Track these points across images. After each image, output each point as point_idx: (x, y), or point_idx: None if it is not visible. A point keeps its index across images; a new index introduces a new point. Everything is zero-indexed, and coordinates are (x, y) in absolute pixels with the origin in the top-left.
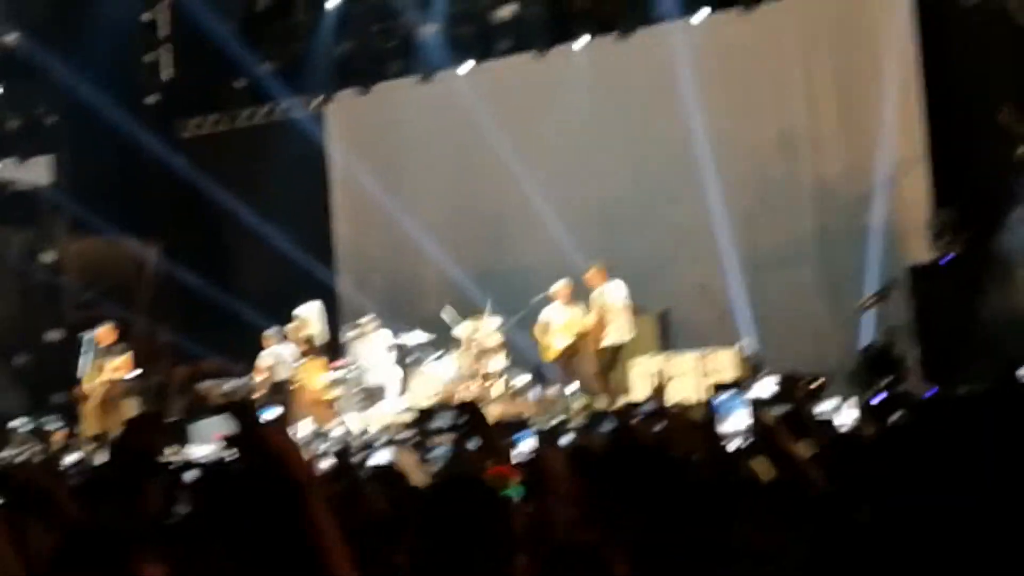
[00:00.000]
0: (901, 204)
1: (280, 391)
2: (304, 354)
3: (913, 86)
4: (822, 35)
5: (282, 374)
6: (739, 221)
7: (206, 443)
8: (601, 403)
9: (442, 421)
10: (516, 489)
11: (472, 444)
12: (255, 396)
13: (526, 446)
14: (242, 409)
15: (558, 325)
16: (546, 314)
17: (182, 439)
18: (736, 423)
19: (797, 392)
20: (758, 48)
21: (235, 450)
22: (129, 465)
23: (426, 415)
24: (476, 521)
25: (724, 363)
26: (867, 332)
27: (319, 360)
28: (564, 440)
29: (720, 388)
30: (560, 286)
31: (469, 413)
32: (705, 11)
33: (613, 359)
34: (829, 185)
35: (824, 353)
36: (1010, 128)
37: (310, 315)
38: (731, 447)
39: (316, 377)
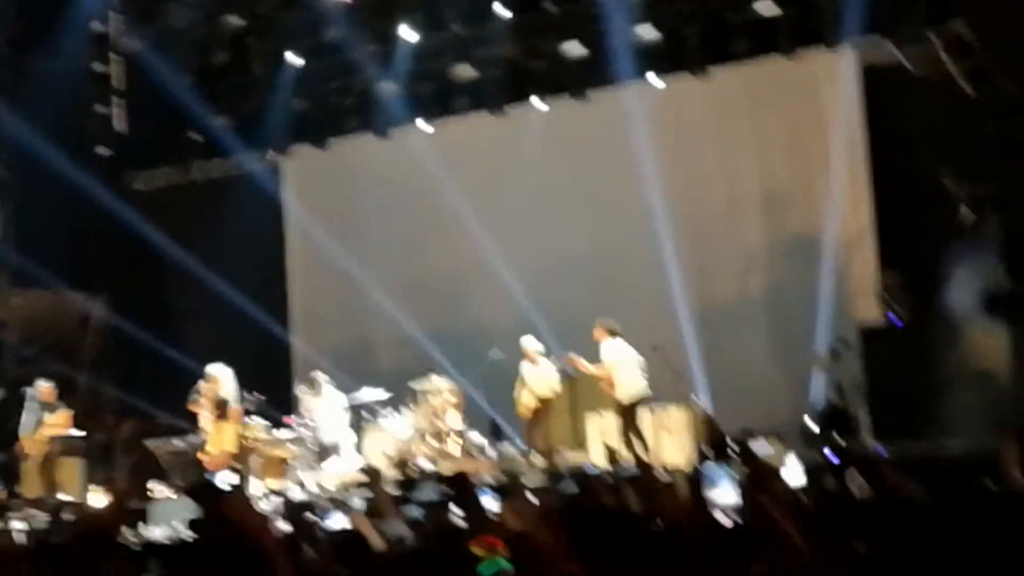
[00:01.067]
0: (850, 266)
1: None
2: (218, 416)
3: (860, 150)
4: (772, 99)
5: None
6: (692, 280)
7: (165, 522)
8: (561, 461)
9: (429, 492)
10: (505, 562)
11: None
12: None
13: (486, 503)
14: (202, 491)
15: (528, 384)
16: (522, 371)
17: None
18: (724, 492)
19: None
20: (710, 111)
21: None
22: (90, 545)
23: (409, 485)
24: None
25: (677, 420)
26: (818, 391)
27: (231, 422)
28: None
29: (705, 454)
30: (528, 346)
31: (458, 486)
32: (659, 75)
33: (632, 413)
34: (779, 246)
35: (774, 411)
36: (953, 192)
37: (222, 375)
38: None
39: (229, 439)
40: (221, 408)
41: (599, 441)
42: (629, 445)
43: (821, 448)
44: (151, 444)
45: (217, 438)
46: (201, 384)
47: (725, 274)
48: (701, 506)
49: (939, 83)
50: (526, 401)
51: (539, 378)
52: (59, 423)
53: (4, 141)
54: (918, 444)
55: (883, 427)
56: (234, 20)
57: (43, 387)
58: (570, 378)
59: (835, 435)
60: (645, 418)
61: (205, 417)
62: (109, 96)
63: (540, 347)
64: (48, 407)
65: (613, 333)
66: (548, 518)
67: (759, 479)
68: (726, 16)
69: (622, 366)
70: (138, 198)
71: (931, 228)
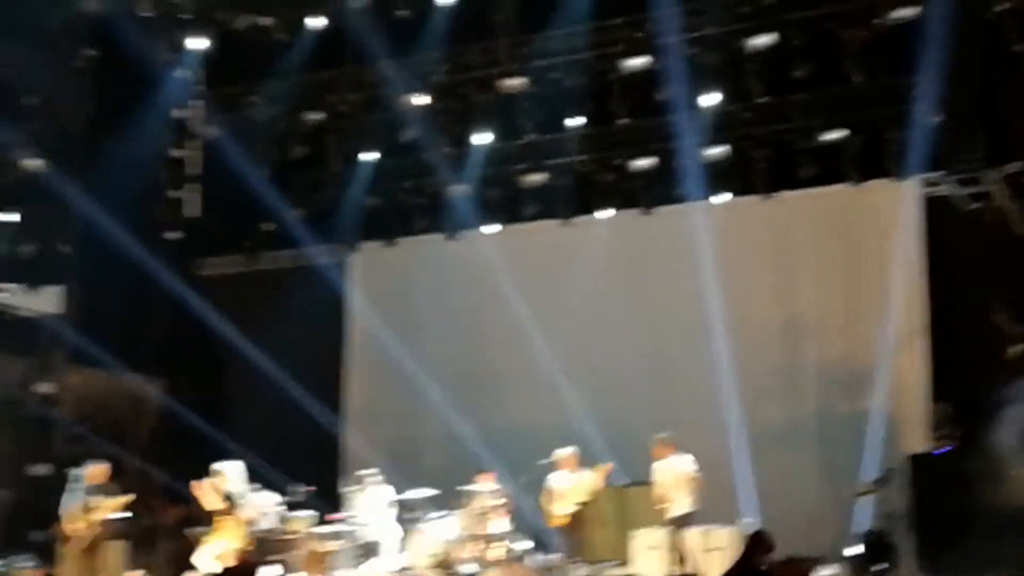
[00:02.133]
0: (901, 394)
1: (270, 544)
2: (223, 511)
3: (918, 281)
4: (834, 226)
5: (265, 525)
6: (745, 400)
7: None
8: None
9: None
10: None
11: None
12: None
13: None
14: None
15: (562, 492)
16: (551, 481)
17: None
18: None
19: None
20: (773, 233)
21: None
22: None
23: None
24: None
25: (726, 541)
26: (864, 517)
27: (235, 518)
28: None
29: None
30: (566, 454)
31: None
32: (726, 195)
33: (680, 528)
34: (832, 370)
35: (820, 535)
36: (1005, 328)
37: (231, 472)
38: None
39: (234, 534)
40: (228, 503)
41: (647, 555)
42: (678, 563)
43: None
44: (192, 532)
45: (225, 534)
46: (206, 480)
47: (777, 395)
48: None
49: (996, 221)
50: (561, 509)
51: (578, 483)
52: (112, 506)
53: (74, 219)
54: None
55: (928, 558)
56: (314, 116)
57: (96, 468)
58: (619, 489)
59: (880, 564)
60: (694, 537)
61: (210, 503)
62: (182, 181)
63: (576, 453)
64: (102, 489)
65: (673, 450)
66: None
67: None
68: (795, 142)
69: (679, 483)
70: (204, 284)
71: (984, 362)
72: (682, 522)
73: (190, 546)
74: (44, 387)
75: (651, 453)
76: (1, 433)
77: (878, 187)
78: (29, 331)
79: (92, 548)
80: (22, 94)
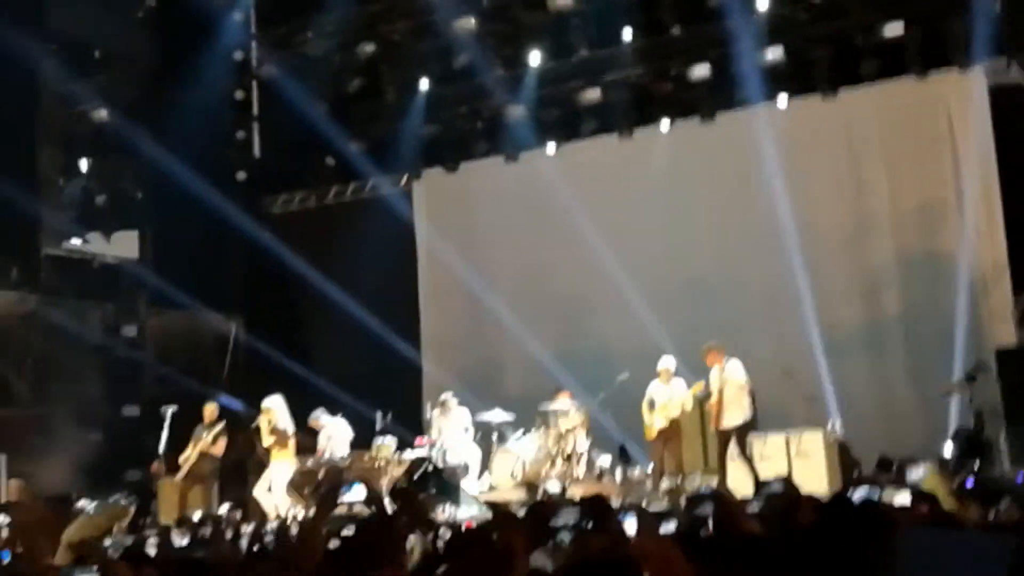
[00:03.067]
0: (985, 288)
1: (351, 469)
2: (275, 443)
3: (991, 172)
4: (901, 121)
5: (338, 451)
6: (823, 303)
7: None
8: (692, 484)
9: (567, 518)
10: None
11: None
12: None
13: (627, 527)
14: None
15: (658, 405)
16: (650, 391)
17: None
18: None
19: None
20: (838, 132)
21: None
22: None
23: (545, 510)
24: None
25: (813, 446)
26: (955, 415)
27: (288, 448)
28: (667, 526)
29: (853, 481)
30: (662, 364)
31: (596, 509)
32: (786, 96)
33: (730, 438)
34: (911, 268)
35: (909, 436)
36: None
37: (276, 406)
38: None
39: (289, 463)
40: (279, 437)
41: (730, 466)
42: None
43: (959, 475)
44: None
45: (278, 466)
46: (260, 417)
47: (856, 297)
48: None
49: None
50: (655, 423)
51: (670, 398)
52: (216, 443)
53: (145, 166)
54: None
55: (1021, 453)
56: (368, 48)
57: (208, 407)
58: (702, 400)
59: (973, 462)
60: (778, 443)
61: (323, 433)
62: (249, 122)
63: (672, 366)
64: (209, 427)
65: (723, 356)
66: (683, 543)
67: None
68: (855, 38)
69: (739, 390)
70: (274, 221)
71: None
72: (742, 432)
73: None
74: (128, 331)
75: (704, 360)
76: (91, 377)
77: (943, 78)
78: (110, 277)
79: (188, 481)
80: (88, 48)
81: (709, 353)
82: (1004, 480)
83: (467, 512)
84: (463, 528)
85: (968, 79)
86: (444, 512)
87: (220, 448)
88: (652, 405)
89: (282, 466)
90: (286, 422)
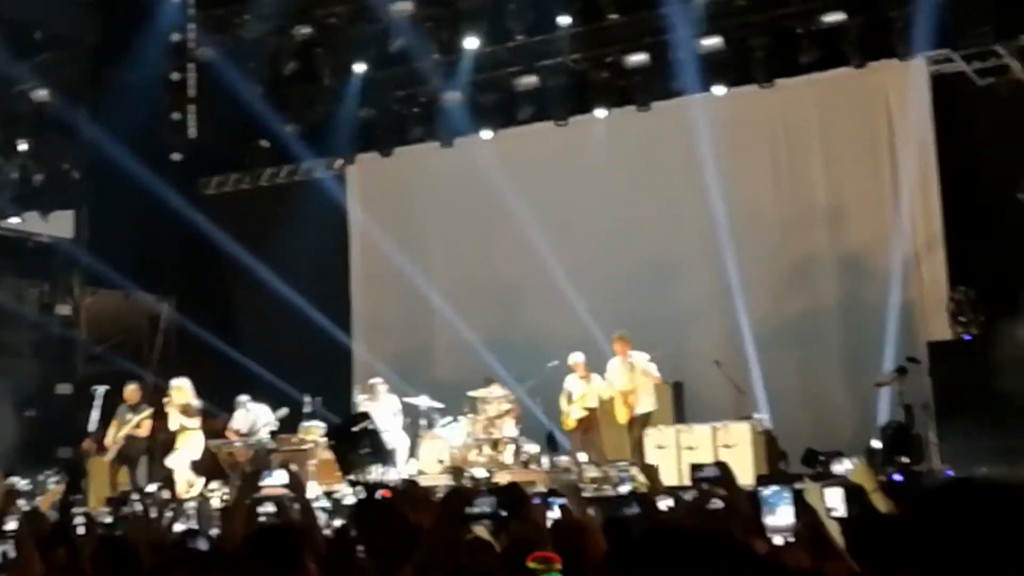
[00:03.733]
0: (920, 282)
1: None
2: (185, 423)
3: (930, 163)
4: (841, 111)
5: (259, 437)
6: (756, 295)
7: None
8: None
9: (483, 506)
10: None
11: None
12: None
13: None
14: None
15: (576, 397)
16: (567, 385)
17: None
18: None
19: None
20: (776, 122)
21: None
22: None
23: (462, 497)
24: None
25: (739, 437)
26: (884, 410)
27: (197, 427)
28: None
29: (764, 479)
30: (576, 359)
31: (512, 497)
32: (724, 86)
33: (642, 426)
34: (848, 261)
35: (838, 430)
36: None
37: (185, 385)
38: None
39: (198, 443)
40: (188, 414)
41: (655, 454)
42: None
43: (887, 470)
44: (211, 444)
45: (189, 443)
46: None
47: (790, 289)
48: (759, 531)
49: (1008, 96)
50: (572, 413)
51: (587, 390)
52: (142, 424)
53: (82, 146)
54: (988, 467)
55: (951, 449)
56: (304, 31)
57: (128, 388)
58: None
59: (902, 456)
60: (704, 434)
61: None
62: (184, 104)
63: (583, 359)
64: (133, 408)
65: (630, 346)
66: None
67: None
68: (795, 27)
69: (647, 380)
70: (208, 203)
71: (1002, 242)
72: (646, 420)
73: (209, 459)
74: (63, 309)
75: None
76: (25, 355)
77: (884, 68)
78: (44, 256)
79: (118, 463)
80: (29, 28)
81: (618, 341)
82: (933, 477)
83: (395, 478)
84: (379, 494)
85: (909, 69)
86: (372, 474)
87: (146, 430)
88: (570, 398)
89: (194, 443)
90: (196, 401)
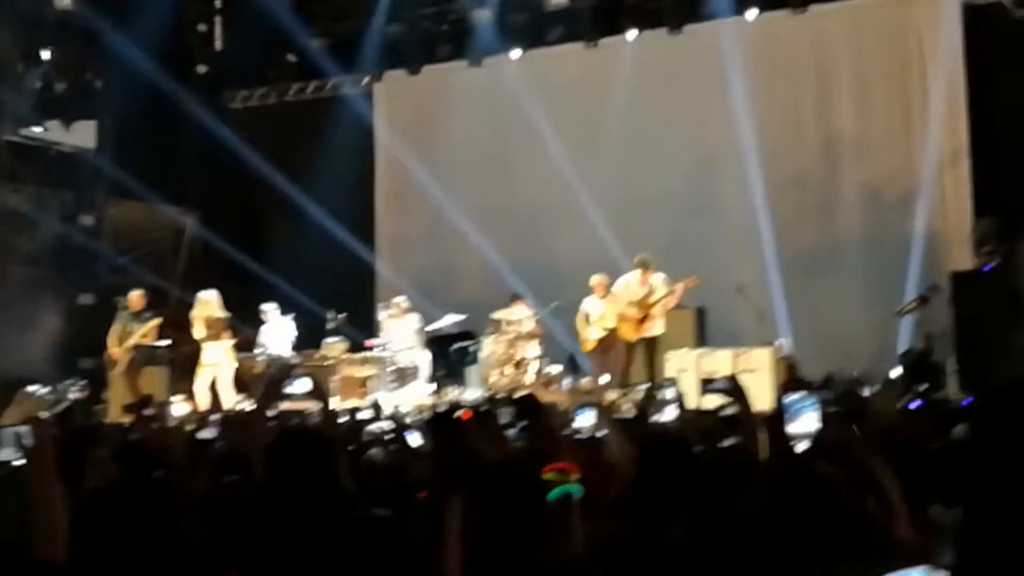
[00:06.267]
0: (944, 212)
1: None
2: (210, 336)
3: (959, 94)
4: (871, 38)
5: (282, 349)
6: (782, 222)
7: None
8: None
9: (503, 417)
10: (574, 486)
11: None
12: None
13: (585, 421)
14: None
15: (595, 317)
16: (585, 306)
17: None
18: (805, 425)
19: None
20: (807, 49)
21: None
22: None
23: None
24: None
25: (760, 362)
26: (905, 338)
27: (223, 339)
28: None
29: (789, 387)
30: (596, 279)
31: (528, 409)
32: (756, 10)
33: (650, 350)
34: (873, 190)
35: (858, 356)
36: None
37: (212, 298)
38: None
39: (227, 355)
40: (215, 329)
41: (677, 377)
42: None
43: (905, 397)
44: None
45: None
46: (193, 312)
47: (815, 216)
48: (783, 441)
49: None
50: (591, 335)
51: (605, 310)
52: (147, 332)
53: (105, 55)
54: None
55: (970, 377)
56: None
57: (133, 295)
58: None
59: (921, 384)
60: (725, 358)
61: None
62: (211, 15)
63: (605, 279)
64: (137, 316)
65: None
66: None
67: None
68: None
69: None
70: (233, 116)
71: None
72: (652, 345)
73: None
74: (86, 220)
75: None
76: (48, 265)
77: None
78: (67, 165)
79: (133, 372)
80: None
81: (642, 262)
82: (950, 404)
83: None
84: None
85: None
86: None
87: (152, 338)
88: (588, 319)
89: (221, 358)
90: (223, 313)
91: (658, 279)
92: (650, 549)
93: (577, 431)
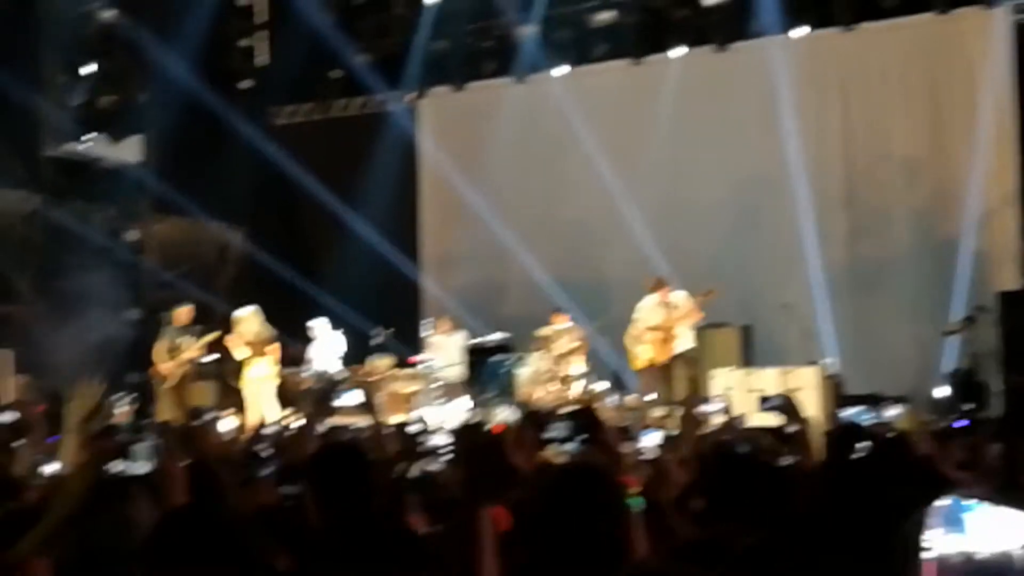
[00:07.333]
0: (992, 231)
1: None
2: (254, 354)
3: (1008, 113)
4: (920, 57)
5: (329, 364)
6: (828, 240)
7: None
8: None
9: (558, 431)
10: (636, 500)
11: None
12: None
13: (650, 441)
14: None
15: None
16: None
17: None
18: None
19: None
20: (855, 66)
21: None
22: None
23: (537, 423)
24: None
25: (806, 380)
26: (951, 358)
27: (266, 356)
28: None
29: (847, 403)
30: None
31: (586, 422)
32: (805, 28)
33: (687, 366)
34: (920, 209)
35: (904, 376)
36: None
37: (249, 315)
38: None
39: (270, 372)
40: (254, 347)
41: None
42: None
43: (949, 416)
44: (282, 372)
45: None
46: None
47: (861, 235)
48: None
49: None
50: (642, 353)
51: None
52: (197, 347)
53: (152, 70)
54: None
55: (1016, 397)
56: None
57: (180, 310)
58: (698, 331)
59: (967, 404)
60: (771, 377)
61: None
62: (252, 30)
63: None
64: (186, 330)
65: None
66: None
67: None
68: None
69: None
70: (279, 133)
71: None
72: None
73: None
74: (131, 235)
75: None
76: (92, 279)
77: (966, 15)
78: (112, 180)
79: (181, 387)
80: None
81: (658, 282)
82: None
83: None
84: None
85: (992, 17)
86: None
87: (201, 353)
88: (638, 338)
89: (266, 372)
90: (264, 328)
91: (678, 296)
92: (718, 557)
93: (640, 451)
